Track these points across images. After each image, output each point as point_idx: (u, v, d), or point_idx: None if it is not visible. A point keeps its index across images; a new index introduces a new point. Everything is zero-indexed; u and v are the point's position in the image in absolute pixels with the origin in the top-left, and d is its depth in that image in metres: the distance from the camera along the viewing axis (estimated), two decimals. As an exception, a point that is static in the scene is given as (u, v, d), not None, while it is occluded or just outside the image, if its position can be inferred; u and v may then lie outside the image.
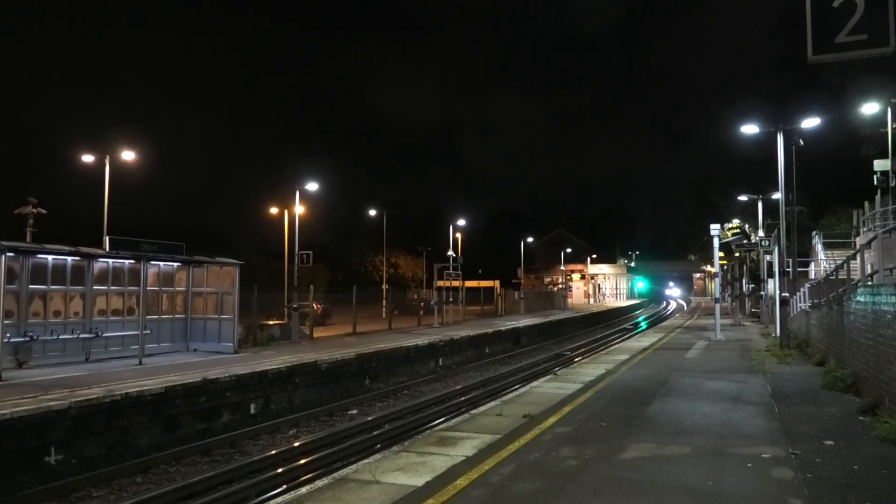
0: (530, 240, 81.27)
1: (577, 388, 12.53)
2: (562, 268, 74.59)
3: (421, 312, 34.24)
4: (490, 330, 29.54)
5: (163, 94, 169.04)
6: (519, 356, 27.38)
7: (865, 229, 30.01)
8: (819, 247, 34.59)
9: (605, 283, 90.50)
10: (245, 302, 20.32)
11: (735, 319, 34.56)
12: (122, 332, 17.54)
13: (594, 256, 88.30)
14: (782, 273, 22.53)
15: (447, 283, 36.30)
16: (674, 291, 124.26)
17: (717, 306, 25.90)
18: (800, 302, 23.02)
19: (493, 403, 11.49)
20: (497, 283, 52.97)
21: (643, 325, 47.92)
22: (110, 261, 17.47)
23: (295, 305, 24.58)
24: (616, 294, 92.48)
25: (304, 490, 6.52)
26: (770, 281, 31.61)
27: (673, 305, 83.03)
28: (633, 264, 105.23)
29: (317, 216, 56.86)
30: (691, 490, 6.01)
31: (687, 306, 78.58)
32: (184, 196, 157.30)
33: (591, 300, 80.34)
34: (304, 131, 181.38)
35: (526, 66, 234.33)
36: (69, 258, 16.44)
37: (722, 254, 30.37)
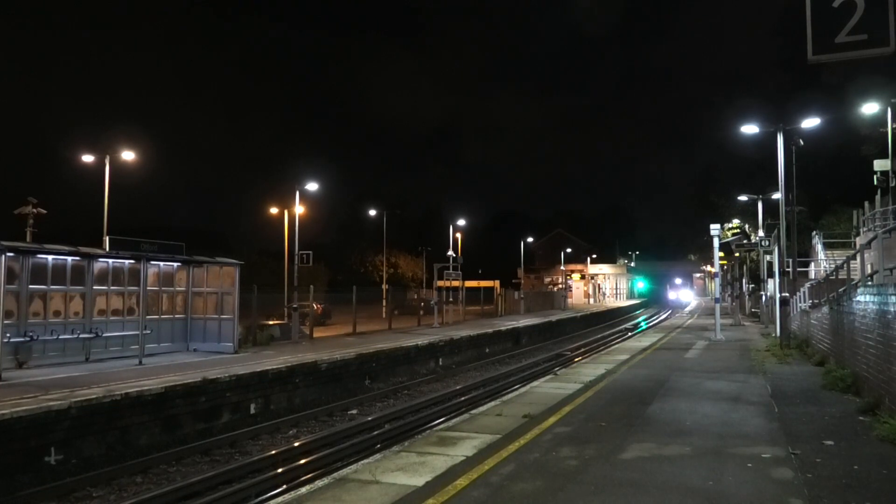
0: (530, 240, 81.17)
1: (577, 388, 12.53)
2: (562, 268, 74.55)
3: (421, 312, 34.22)
4: (490, 330, 29.54)
5: (163, 95, 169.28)
6: (519, 356, 27.38)
7: (865, 229, 29.97)
8: (819, 247, 34.57)
9: (605, 283, 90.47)
10: (245, 302, 20.31)
11: (735, 319, 34.59)
12: (122, 332, 17.54)
13: (594, 256, 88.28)
14: (782, 273, 22.55)
15: (447, 283, 36.29)
16: (683, 293, 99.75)
17: (717, 306, 25.92)
18: (800, 302, 23.00)
19: (493, 403, 11.49)
20: (497, 283, 52.97)
21: (643, 325, 47.91)
22: (110, 261, 17.47)
23: (295, 305, 24.57)
24: (616, 294, 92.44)
25: (304, 490, 6.52)
26: (770, 281, 31.61)
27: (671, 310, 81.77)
28: (633, 264, 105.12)
29: (317, 216, 56.93)
30: (691, 490, 6.01)
31: (686, 307, 78.37)
32: (184, 196, 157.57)
33: (591, 300, 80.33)
34: (305, 131, 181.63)
35: (526, 67, 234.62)
36: (69, 258, 16.44)
37: (722, 254, 30.38)
